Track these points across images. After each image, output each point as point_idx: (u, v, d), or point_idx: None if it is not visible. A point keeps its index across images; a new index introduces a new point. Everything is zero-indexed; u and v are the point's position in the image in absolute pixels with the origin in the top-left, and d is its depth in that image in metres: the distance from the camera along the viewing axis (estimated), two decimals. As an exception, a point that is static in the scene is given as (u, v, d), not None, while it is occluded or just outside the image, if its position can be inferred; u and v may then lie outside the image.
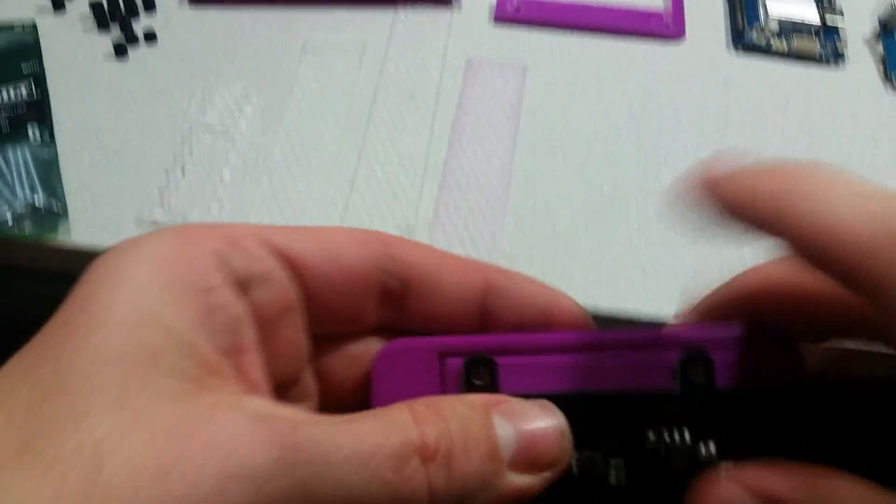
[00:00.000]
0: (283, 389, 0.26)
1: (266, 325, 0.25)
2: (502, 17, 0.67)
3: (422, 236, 0.54)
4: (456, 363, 0.26)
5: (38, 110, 0.58)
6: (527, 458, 0.23)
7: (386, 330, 0.28)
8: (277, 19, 0.66)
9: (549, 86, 0.63)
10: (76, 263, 0.53)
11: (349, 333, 0.28)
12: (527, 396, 0.25)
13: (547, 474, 0.24)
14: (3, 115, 0.57)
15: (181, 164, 0.56)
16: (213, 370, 0.22)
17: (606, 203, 0.56)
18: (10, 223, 0.51)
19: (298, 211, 0.54)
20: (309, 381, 0.27)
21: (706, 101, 0.62)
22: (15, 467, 0.19)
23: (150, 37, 0.64)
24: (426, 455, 0.22)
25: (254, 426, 0.20)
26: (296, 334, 0.26)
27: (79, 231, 0.53)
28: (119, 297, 0.22)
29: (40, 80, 0.60)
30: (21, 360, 0.21)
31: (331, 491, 0.20)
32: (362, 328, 0.28)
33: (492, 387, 0.26)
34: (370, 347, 0.27)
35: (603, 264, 0.53)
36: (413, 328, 0.28)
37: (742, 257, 0.32)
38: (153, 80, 0.61)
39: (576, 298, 0.52)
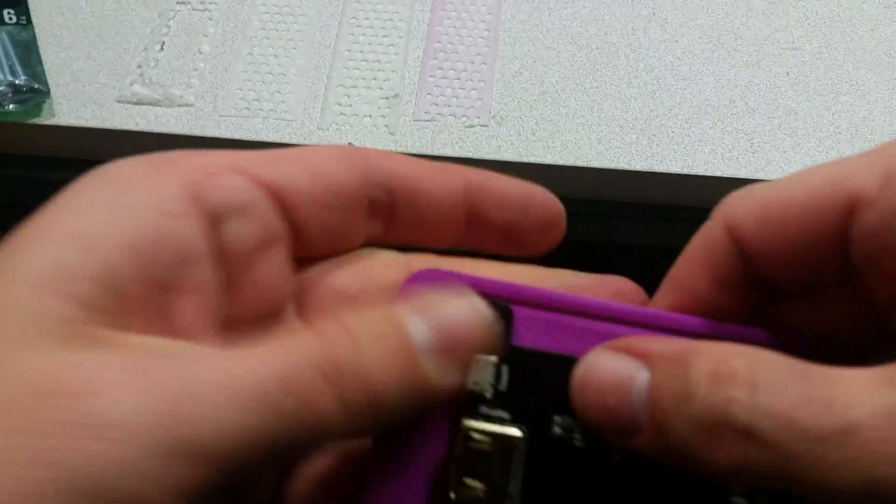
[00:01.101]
0: (262, 327, 0.25)
1: (239, 261, 0.24)
2: None
3: (408, 102, 0.53)
4: None
5: (11, -8, 0.56)
6: (445, 348, 0.22)
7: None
8: None
9: (533, -58, 0.61)
10: (62, 144, 0.52)
11: (338, 252, 0.27)
12: (539, 353, 0.24)
13: (472, 363, 0.23)
14: (-28, -3, 0.56)
15: (160, 39, 0.55)
16: (130, 305, 0.21)
17: (594, 59, 0.55)
18: (-9, 105, 0.51)
19: (281, 82, 0.54)
20: (291, 317, 0.26)
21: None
22: None
23: None
24: (335, 372, 0.20)
25: (125, 374, 0.19)
26: (276, 269, 0.25)
27: (62, 110, 0.52)
28: (63, 218, 0.21)
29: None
30: None
31: (211, 432, 0.18)
32: (351, 246, 0.26)
33: (505, 335, 0.24)
34: (352, 278, 0.26)
35: (593, 121, 0.53)
36: (401, 240, 0.27)
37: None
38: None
39: (568, 156, 0.52)
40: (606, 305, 0.25)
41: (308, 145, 0.25)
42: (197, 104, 0.52)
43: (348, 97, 0.53)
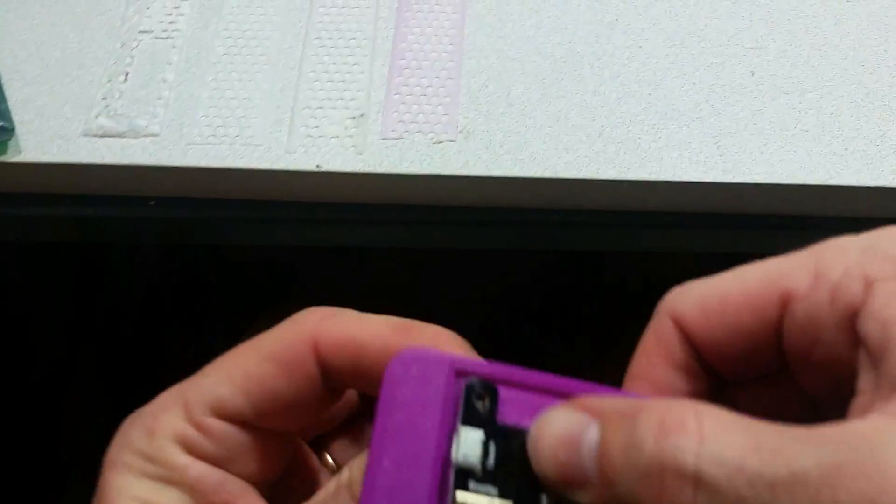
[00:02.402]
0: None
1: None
2: None
3: (375, 121, 0.53)
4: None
5: (-30, 28, 0.56)
6: None
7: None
8: None
9: (494, -46, 0.61)
10: (30, 181, 0.52)
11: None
12: (524, 430, 0.24)
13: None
14: (-66, 35, 0.56)
15: (123, 70, 0.55)
16: None
17: (559, 69, 0.55)
18: (-46, 146, 0.51)
19: (247, 106, 0.53)
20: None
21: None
22: None
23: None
24: None
25: None
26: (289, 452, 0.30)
27: (28, 146, 0.52)
28: None
29: (-32, -4, 0.58)
30: None
31: None
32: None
33: (491, 414, 0.25)
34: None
35: (560, 131, 0.53)
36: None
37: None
38: (85, -15, 0.59)
39: (536, 167, 0.52)
40: (586, 387, 0.25)
41: (263, 362, 0.28)
42: (162, 133, 0.52)
43: (315, 119, 0.53)
